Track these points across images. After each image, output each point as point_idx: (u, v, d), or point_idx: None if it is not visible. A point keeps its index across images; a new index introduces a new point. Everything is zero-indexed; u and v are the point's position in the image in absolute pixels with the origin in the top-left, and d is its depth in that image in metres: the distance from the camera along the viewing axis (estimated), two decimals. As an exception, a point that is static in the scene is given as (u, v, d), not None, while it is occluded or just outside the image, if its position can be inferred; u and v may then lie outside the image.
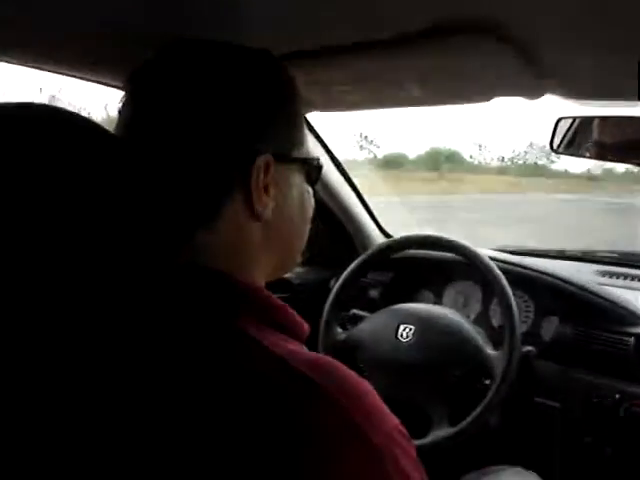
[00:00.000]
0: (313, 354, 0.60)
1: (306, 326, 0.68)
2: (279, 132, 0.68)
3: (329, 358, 0.59)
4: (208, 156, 0.63)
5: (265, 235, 0.68)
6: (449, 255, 1.60)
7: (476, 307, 1.71)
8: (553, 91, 1.02)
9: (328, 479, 0.52)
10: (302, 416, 0.53)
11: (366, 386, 0.58)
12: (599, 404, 1.39)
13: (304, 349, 0.62)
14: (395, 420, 0.58)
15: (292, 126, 0.70)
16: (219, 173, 0.64)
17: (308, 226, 0.77)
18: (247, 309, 0.62)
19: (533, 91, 1.02)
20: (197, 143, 0.63)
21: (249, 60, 0.69)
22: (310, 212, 0.77)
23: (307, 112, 1.35)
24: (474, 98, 1.11)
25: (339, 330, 1.58)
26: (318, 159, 0.75)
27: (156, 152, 0.64)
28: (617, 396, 1.37)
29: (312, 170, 0.74)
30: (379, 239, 1.87)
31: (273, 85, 0.69)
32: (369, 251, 1.62)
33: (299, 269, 1.89)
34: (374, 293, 1.76)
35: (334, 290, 1.60)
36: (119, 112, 0.68)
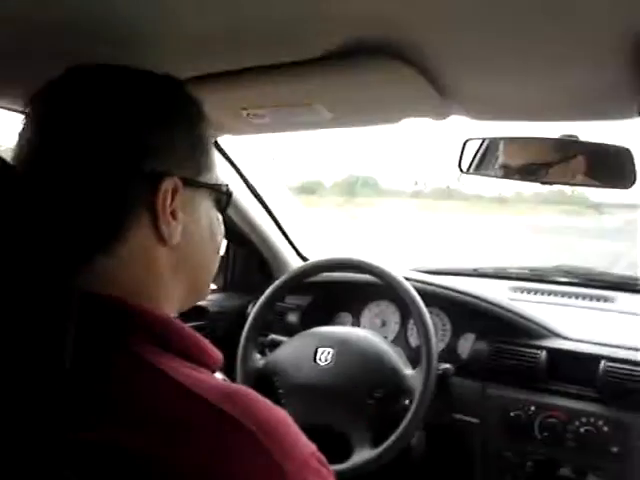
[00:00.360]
0: (223, 383, 0.59)
1: (218, 354, 0.66)
2: (185, 156, 0.67)
3: (241, 387, 0.58)
4: (107, 179, 0.61)
5: (173, 261, 0.66)
6: (366, 277, 1.61)
7: (394, 327, 1.72)
8: (458, 112, 1.04)
9: None
10: (212, 447, 0.52)
11: (279, 414, 0.57)
12: (516, 418, 1.41)
13: (214, 378, 0.60)
14: (311, 447, 0.57)
15: (199, 151, 0.69)
16: (119, 196, 0.62)
17: (218, 253, 0.75)
18: (147, 336, 0.59)
19: (439, 112, 1.04)
20: (95, 165, 0.61)
21: (151, 84, 0.68)
22: (220, 239, 0.75)
23: (218, 135, 1.33)
24: (383, 120, 1.12)
25: (257, 356, 1.55)
26: (227, 185, 0.74)
27: (55, 173, 0.61)
28: (533, 408, 1.40)
29: (221, 196, 0.73)
30: (296, 263, 1.86)
31: (176, 108, 0.68)
32: (285, 275, 1.60)
33: (215, 296, 1.86)
34: (292, 317, 1.75)
35: (251, 316, 1.58)
36: (19, 135, 0.66)
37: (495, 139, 1.20)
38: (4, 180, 0.56)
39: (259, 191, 1.72)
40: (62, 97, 0.65)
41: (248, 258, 1.87)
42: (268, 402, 0.58)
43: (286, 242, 1.85)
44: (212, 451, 0.52)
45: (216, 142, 1.49)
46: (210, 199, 0.71)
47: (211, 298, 1.82)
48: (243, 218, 1.74)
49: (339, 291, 1.77)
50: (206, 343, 0.65)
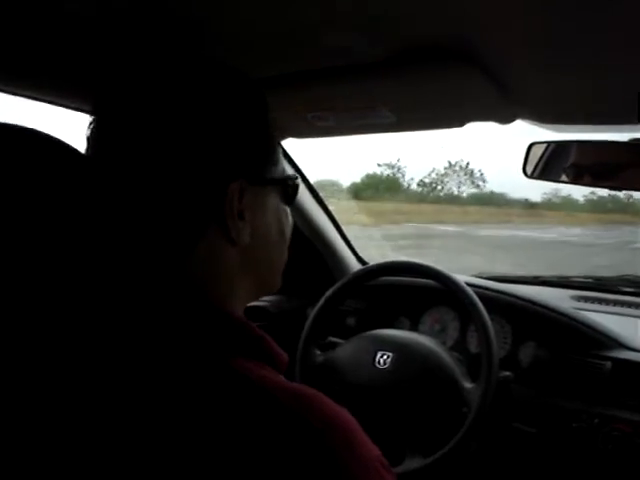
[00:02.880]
0: (297, 386, 0.59)
1: (285, 355, 0.66)
2: (252, 154, 0.66)
3: (313, 390, 0.58)
4: (180, 186, 0.61)
5: (244, 260, 0.66)
6: (426, 281, 1.60)
7: (453, 334, 1.70)
8: (524, 116, 1.03)
9: None
10: (286, 450, 0.52)
11: (347, 417, 0.57)
12: (579, 429, 1.38)
13: (283, 378, 0.61)
14: (376, 450, 0.57)
15: (265, 146, 0.68)
16: (192, 205, 0.61)
17: (287, 248, 0.75)
18: (232, 342, 0.60)
19: (505, 116, 1.03)
20: (168, 173, 0.61)
21: (218, 78, 0.67)
22: (289, 231, 0.75)
23: (281, 139, 1.35)
24: (447, 123, 1.12)
25: (317, 352, 1.56)
26: (294, 177, 0.73)
27: (127, 181, 0.61)
28: (596, 420, 1.36)
29: (288, 189, 0.72)
30: (355, 266, 1.86)
31: (243, 104, 0.67)
32: (345, 278, 1.61)
33: (275, 297, 1.88)
34: (351, 320, 1.75)
35: (311, 317, 1.59)
36: (87, 138, 0.65)
37: (564, 142, 1.18)
38: (86, 179, 0.57)
39: (320, 194, 1.73)
40: (132, 96, 0.64)
41: (308, 260, 1.88)
42: (335, 404, 0.58)
43: (345, 246, 1.86)
44: (281, 449, 0.52)
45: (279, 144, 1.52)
46: (277, 194, 0.70)
47: (271, 299, 1.85)
48: (304, 220, 1.75)
49: (398, 295, 1.77)
50: (275, 344, 0.65)
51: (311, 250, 1.84)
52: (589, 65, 0.83)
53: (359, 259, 1.89)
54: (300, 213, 1.72)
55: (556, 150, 1.19)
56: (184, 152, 0.61)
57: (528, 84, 0.94)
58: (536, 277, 1.96)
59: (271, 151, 0.69)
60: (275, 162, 0.70)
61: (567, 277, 1.96)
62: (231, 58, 0.85)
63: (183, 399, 0.55)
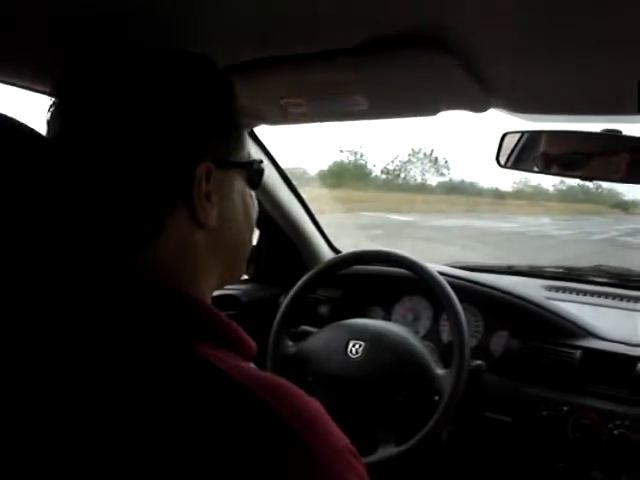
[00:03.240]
0: (263, 374, 0.58)
1: (253, 344, 0.66)
2: (218, 137, 0.67)
3: (282, 380, 0.58)
4: (146, 168, 0.61)
5: (210, 243, 0.66)
6: (398, 271, 1.60)
7: (426, 323, 1.70)
8: (498, 105, 1.03)
9: None
10: (252, 439, 0.52)
11: (315, 405, 0.57)
12: (548, 417, 1.39)
13: (253, 368, 0.60)
14: (345, 439, 0.57)
15: (231, 130, 0.69)
16: (159, 186, 0.61)
17: (253, 231, 0.75)
18: (197, 326, 0.60)
19: (479, 105, 1.02)
20: (133, 154, 0.61)
21: (184, 64, 0.67)
22: (254, 216, 0.75)
23: (254, 125, 1.33)
24: (420, 111, 1.11)
25: (289, 343, 1.55)
26: (259, 161, 0.74)
27: (91, 164, 0.61)
28: (565, 409, 1.38)
29: (254, 174, 0.73)
30: (328, 255, 1.85)
31: (209, 89, 0.67)
32: (317, 267, 1.60)
33: (247, 286, 1.86)
34: (324, 309, 1.74)
35: (283, 306, 1.58)
36: (47, 121, 0.65)
37: (536, 131, 1.17)
38: (48, 162, 0.55)
39: (292, 182, 1.71)
40: (94, 80, 0.64)
41: (280, 249, 1.87)
42: (304, 394, 0.58)
43: (318, 234, 1.84)
44: (249, 441, 0.52)
45: (251, 131, 1.49)
46: (242, 177, 0.71)
47: (242, 288, 1.83)
48: (276, 208, 1.74)
49: (371, 284, 1.77)
50: (242, 332, 0.65)
51: (284, 238, 1.83)
52: (567, 57, 0.83)
53: (332, 248, 1.88)
54: (272, 201, 1.71)
55: (528, 140, 1.19)
56: (149, 134, 0.61)
57: (503, 74, 0.93)
58: (510, 267, 1.97)
59: (236, 135, 0.70)
60: (241, 147, 0.70)
61: (540, 267, 1.98)
62: (202, 44, 0.83)
63: (146, 388, 0.54)
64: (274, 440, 0.52)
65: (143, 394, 0.54)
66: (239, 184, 0.70)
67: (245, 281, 1.89)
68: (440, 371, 1.37)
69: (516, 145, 1.20)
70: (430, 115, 1.09)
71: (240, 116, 0.70)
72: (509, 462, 1.47)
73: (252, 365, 0.63)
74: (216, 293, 1.64)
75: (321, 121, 1.20)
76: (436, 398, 1.35)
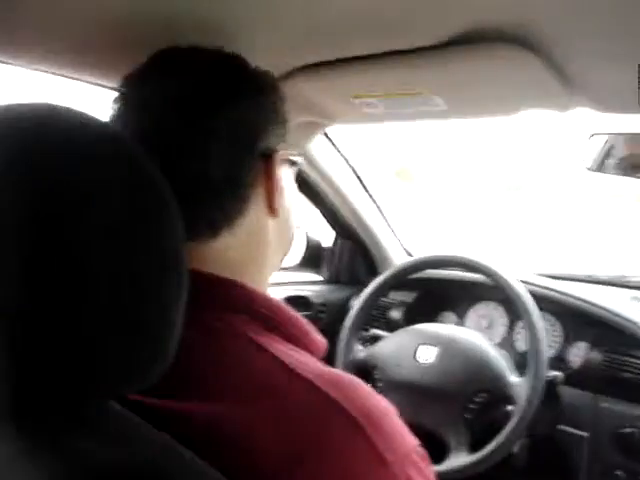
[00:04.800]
0: (329, 369, 0.58)
1: (323, 341, 0.67)
2: (281, 129, 0.70)
3: (351, 376, 0.58)
4: (228, 159, 0.63)
5: (277, 233, 0.69)
6: (473, 275, 1.56)
7: (501, 330, 1.65)
8: (583, 103, 0.98)
9: None
10: (314, 429, 0.52)
11: (384, 404, 0.57)
12: (630, 435, 1.32)
13: (319, 363, 0.61)
14: (414, 441, 0.57)
15: (285, 126, 0.71)
16: (242, 174, 0.64)
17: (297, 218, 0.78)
18: (255, 317, 0.61)
19: (562, 104, 0.98)
20: (215, 141, 0.62)
21: (241, 65, 0.69)
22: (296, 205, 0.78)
23: (329, 124, 1.33)
24: (500, 111, 1.07)
25: (359, 347, 1.54)
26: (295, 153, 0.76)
27: (173, 154, 0.62)
28: (648, 427, 1.30)
29: (292, 164, 0.75)
30: (400, 258, 1.82)
31: (263, 84, 0.69)
32: (389, 271, 1.58)
33: (320, 287, 1.86)
34: (396, 313, 1.72)
35: (353, 310, 1.56)
36: (118, 117, 0.66)
37: (621, 134, 1.12)
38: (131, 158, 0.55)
39: (366, 183, 1.70)
40: (167, 75, 0.65)
41: (354, 251, 1.85)
42: (373, 392, 0.57)
43: (393, 237, 1.82)
44: (314, 434, 0.52)
45: (325, 132, 1.49)
46: (289, 170, 0.74)
47: (315, 289, 1.83)
48: (350, 211, 1.73)
49: (445, 289, 1.73)
50: (312, 329, 0.66)
51: (357, 241, 1.81)
52: None
53: (405, 251, 1.85)
54: (346, 203, 1.70)
55: (615, 142, 1.14)
56: (232, 125, 0.63)
57: (588, 70, 0.89)
58: (590, 276, 1.89)
59: (287, 131, 0.73)
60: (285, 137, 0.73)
61: (625, 276, 1.88)
62: (275, 44, 0.83)
63: (215, 380, 0.55)
64: (341, 437, 0.52)
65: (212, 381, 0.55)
66: (287, 174, 0.73)
67: (318, 282, 1.88)
68: (515, 379, 1.32)
69: (603, 147, 1.14)
70: (510, 114, 1.05)
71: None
72: (585, 479, 1.41)
73: (319, 362, 0.62)
74: (289, 294, 1.66)
75: (396, 121, 1.18)
76: (510, 408, 1.31)
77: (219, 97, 0.64)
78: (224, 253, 0.64)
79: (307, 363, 0.57)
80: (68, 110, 0.49)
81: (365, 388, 0.57)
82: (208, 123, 0.62)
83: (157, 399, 0.55)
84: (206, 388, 0.55)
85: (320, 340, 0.66)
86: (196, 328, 0.58)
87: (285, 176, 0.71)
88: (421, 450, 0.57)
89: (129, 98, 0.66)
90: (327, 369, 0.58)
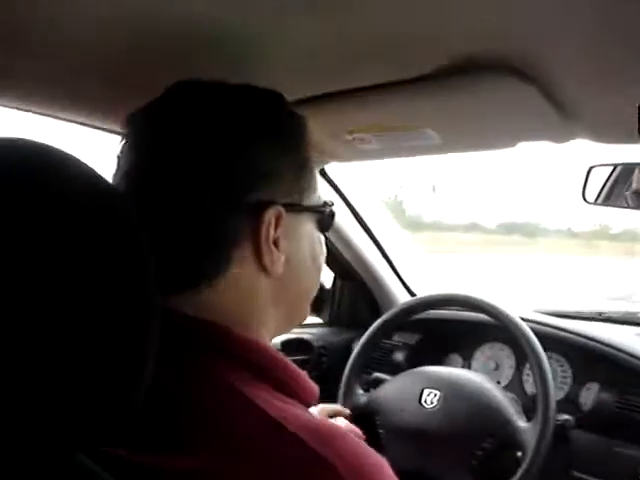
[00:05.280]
0: (318, 420, 0.55)
1: (314, 388, 0.63)
2: (291, 182, 0.63)
3: (335, 424, 0.55)
4: (211, 209, 0.59)
5: (275, 290, 0.63)
6: (479, 316, 1.51)
7: (508, 372, 1.59)
8: (581, 134, 0.95)
9: None
10: None
11: (374, 459, 0.53)
12: (645, 481, 1.25)
13: (308, 413, 0.57)
14: None
15: (303, 172, 0.65)
16: (223, 228, 0.59)
17: (319, 273, 0.71)
18: (242, 364, 0.58)
19: (560, 134, 0.95)
20: (199, 195, 0.58)
21: (254, 100, 0.65)
22: (322, 260, 0.71)
23: (323, 163, 1.30)
24: (497, 144, 1.05)
25: (360, 392, 1.48)
26: (331, 204, 0.70)
27: (157, 199, 0.59)
28: (665, 472, 1.24)
29: (325, 217, 0.69)
30: (403, 298, 1.78)
31: (283, 129, 0.65)
32: (390, 311, 1.53)
33: (321, 330, 1.81)
34: (399, 356, 1.66)
35: (355, 351, 1.51)
36: (117, 158, 0.64)
37: (628, 164, 1.08)
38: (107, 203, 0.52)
39: (367, 222, 1.66)
40: (164, 116, 0.62)
41: (355, 292, 1.81)
42: (366, 447, 0.54)
43: (395, 277, 1.78)
44: None
45: (322, 169, 1.46)
46: (313, 221, 0.67)
47: (316, 332, 1.78)
48: (351, 250, 1.69)
49: (450, 330, 1.68)
50: (303, 375, 0.62)
51: (358, 281, 1.77)
52: None
53: (409, 291, 1.81)
54: (345, 241, 1.66)
55: (621, 174, 1.10)
56: (218, 172, 0.59)
57: (585, 100, 0.86)
58: (599, 313, 1.83)
59: (309, 177, 0.66)
60: (313, 189, 0.67)
61: (633, 313, 1.83)
62: (267, 78, 0.81)
63: (199, 433, 0.52)
64: None
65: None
66: (308, 228, 0.67)
67: (319, 325, 1.84)
68: (523, 424, 1.26)
69: (607, 180, 1.10)
70: (507, 147, 1.03)
71: (312, 156, 0.67)
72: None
73: (311, 412, 0.59)
74: (288, 337, 1.62)
75: (391, 157, 1.16)
76: (518, 454, 1.25)
77: (213, 138, 0.60)
78: (208, 303, 0.60)
79: (296, 415, 0.54)
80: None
81: (356, 442, 0.53)
82: (185, 170, 0.59)
83: (143, 454, 0.52)
84: (190, 441, 0.52)
85: (312, 387, 0.63)
86: (179, 375, 0.55)
87: (301, 230, 0.65)
88: None
89: (127, 138, 0.64)
90: (317, 421, 0.55)
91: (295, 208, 0.63)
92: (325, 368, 1.69)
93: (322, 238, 0.70)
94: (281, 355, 0.62)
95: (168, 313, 0.52)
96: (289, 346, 1.62)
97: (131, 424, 0.48)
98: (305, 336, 1.72)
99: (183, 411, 0.54)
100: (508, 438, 1.26)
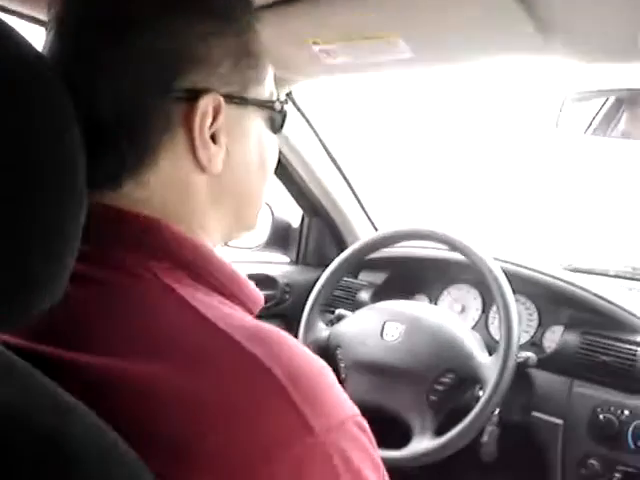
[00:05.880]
0: (256, 323, 0.51)
1: (258, 295, 0.59)
2: (231, 69, 0.57)
3: (276, 329, 0.50)
4: (135, 94, 0.53)
5: (214, 190, 0.58)
6: (447, 256, 1.48)
7: (474, 315, 1.57)
8: (558, 51, 0.90)
9: (268, 474, 0.44)
10: (237, 395, 0.45)
11: (317, 365, 0.50)
12: (606, 422, 1.24)
13: (246, 317, 0.53)
14: (350, 409, 0.50)
15: (246, 61, 0.59)
16: (149, 115, 0.53)
17: (268, 179, 0.65)
18: (176, 261, 0.53)
19: (536, 49, 0.90)
20: (121, 77, 0.52)
21: None
22: (271, 165, 0.65)
23: (291, 82, 1.24)
24: (471, 57, 0.99)
25: (322, 326, 1.45)
26: (282, 101, 0.63)
27: (82, 87, 0.51)
28: (627, 413, 1.22)
29: (275, 115, 0.63)
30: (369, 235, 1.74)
31: (224, 11, 0.58)
32: (353, 246, 1.49)
33: (287, 268, 1.77)
34: (364, 295, 1.63)
35: (317, 286, 1.48)
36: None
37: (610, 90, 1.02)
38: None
39: (335, 155, 1.61)
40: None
41: (323, 231, 1.76)
42: (306, 350, 0.50)
43: (364, 215, 1.74)
44: (230, 394, 0.45)
45: (290, 95, 1.40)
46: (261, 118, 0.61)
47: (282, 270, 1.75)
48: (318, 185, 1.64)
49: (417, 271, 1.65)
50: (246, 281, 0.58)
51: (326, 219, 1.73)
52: None
53: (375, 229, 1.77)
54: (312, 175, 1.61)
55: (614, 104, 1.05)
56: (142, 56, 0.53)
57: (564, 14, 0.81)
58: (570, 265, 1.80)
59: (255, 68, 0.60)
60: (259, 81, 0.60)
61: (603, 266, 1.80)
62: None
63: (118, 332, 0.49)
64: (262, 400, 0.45)
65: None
66: (256, 126, 0.61)
67: (285, 263, 1.80)
68: (484, 359, 1.25)
69: (600, 110, 1.04)
70: (482, 62, 0.97)
71: (261, 51, 0.61)
72: (558, 469, 1.33)
73: (249, 317, 0.55)
74: (253, 272, 1.57)
75: (358, 72, 1.10)
76: (478, 390, 1.23)
77: (142, 11, 0.54)
78: (136, 200, 0.54)
79: (231, 316, 0.50)
80: None
81: (297, 346, 0.50)
82: (104, 52, 0.53)
83: (45, 346, 0.49)
84: (104, 340, 0.49)
85: (255, 294, 0.59)
86: (102, 271, 0.51)
87: (246, 126, 0.60)
88: (361, 420, 0.50)
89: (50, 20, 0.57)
90: (254, 323, 0.51)
91: (237, 100, 0.57)
92: (289, 305, 1.66)
93: (273, 140, 0.64)
94: (222, 258, 0.57)
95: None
96: (252, 280, 1.57)
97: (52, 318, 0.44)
98: (270, 272, 1.68)
99: (104, 308, 0.50)
100: (469, 373, 1.24)
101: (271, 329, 0.50)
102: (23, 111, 0.40)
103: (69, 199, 0.43)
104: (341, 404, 0.49)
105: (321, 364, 0.50)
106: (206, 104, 0.54)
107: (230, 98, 0.56)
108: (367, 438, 0.50)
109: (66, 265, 0.43)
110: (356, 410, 0.50)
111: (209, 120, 0.55)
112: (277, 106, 0.62)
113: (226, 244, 0.68)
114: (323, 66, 1.05)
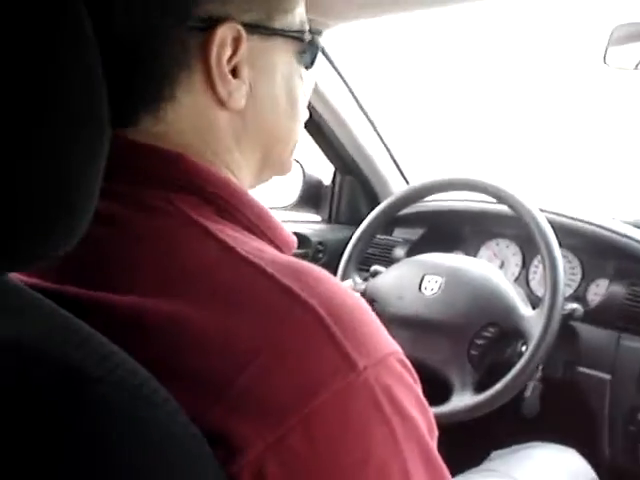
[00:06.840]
0: (289, 258, 0.48)
1: (291, 236, 0.57)
2: None
3: (312, 265, 0.48)
4: (149, 24, 0.50)
5: (237, 127, 0.55)
6: (484, 208, 1.44)
7: (514, 270, 1.52)
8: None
9: (307, 414, 0.41)
10: (273, 329, 0.43)
11: (357, 301, 0.47)
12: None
13: (278, 252, 0.51)
14: (393, 345, 0.47)
15: None
16: (164, 46, 0.50)
17: (300, 118, 0.61)
18: (203, 197, 0.51)
19: None
20: (132, 6, 0.50)
21: None
22: (302, 101, 0.61)
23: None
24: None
25: (358, 280, 1.42)
26: (313, 33, 0.59)
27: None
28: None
29: (306, 48, 0.58)
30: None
31: None
32: (387, 200, 1.45)
33: (319, 226, 1.74)
34: (399, 252, 1.59)
35: (351, 242, 1.45)
36: None
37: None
38: None
39: (367, 109, 1.56)
40: None
41: (356, 189, 1.72)
42: (344, 286, 0.48)
43: (396, 169, 1.69)
44: (265, 329, 0.43)
45: (323, 49, 1.35)
46: (290, 51, 0.57)
47: (314, 228, 1.72)
48: (351, 141, 1.59)
49: (454, 226, 1.60)
50: (277, 221, 0.55)
51: (359, 177, 1.69)
52: None
53: (407, 182, 1.72)
54: (346, 134, 1.57)
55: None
56: None
57: None
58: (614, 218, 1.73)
59: None
60: (288, 9, 0.56)
61: None
62: None
63: (146, 268, 0.47)
64: (299, 334, 0.43)
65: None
66: (284, 58, 0.57)
67: (317, 222, 1.76)
68: (528, 312, 1.20)
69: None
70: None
71: None
72: (606, 426, 1.29)
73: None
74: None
75: (391, 12, 1.05)
76: (521, 344, 1.19)
77: None
78: (155, 136, 0.52)
79: (262, 249, 0.48)
80: None
81: (335, 280, 0.47)
82: None
83: (71, 286, 0.47)
84: (130, 278, 0.47)
85: (288, 235, 0.56)
86: (125, 208, 0.49)
87: (272, 59, 0.56)
88: (403, 357, 0.48)
89: None
90: (287, 257, 0.48)
91: (260, 30, 0.53)
92: (322, 264, 1.63)
93: (305, 76, 0.60)
94: (252, 196, 0.54)
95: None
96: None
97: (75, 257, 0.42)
98: (302, 230, 1.65)
99: (128, 245, 0.49)
100: (511, 327, 1.20)
101: (306, 263, 0.48)
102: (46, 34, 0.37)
103: (96, 132, 0.40)
104: (383, 340, 0.47)
105: (360, 300, 0.48)
106: (224, 34, 0.51)
107: (252, 28, 0.53)
108: (411, 376, 0.47)
109: (94, 196, 0.41)
110: (398, 347, 0.48)
111: (228, 52, 0.51)
112: (307, 36, 0.58)
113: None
114: (354, 6, 1.01)
